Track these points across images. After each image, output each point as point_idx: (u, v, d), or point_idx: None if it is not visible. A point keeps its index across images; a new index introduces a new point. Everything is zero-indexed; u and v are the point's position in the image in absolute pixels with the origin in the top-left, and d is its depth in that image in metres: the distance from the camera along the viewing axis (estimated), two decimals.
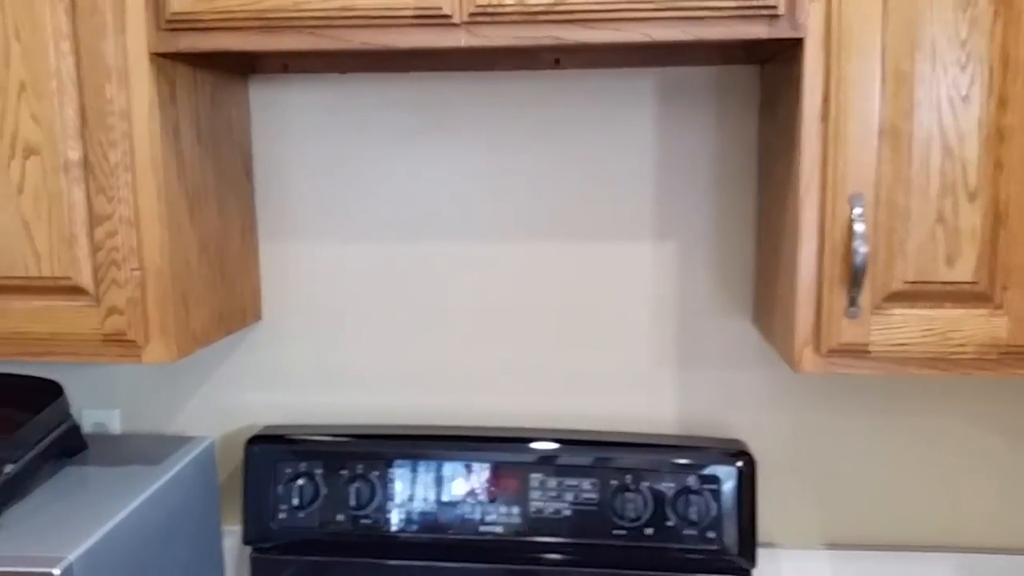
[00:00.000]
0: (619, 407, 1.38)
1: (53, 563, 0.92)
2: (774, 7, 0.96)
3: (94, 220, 1.07)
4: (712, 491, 1.25)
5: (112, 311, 1.09)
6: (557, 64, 1.29)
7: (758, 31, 0.98)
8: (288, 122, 1.37)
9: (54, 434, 1.16)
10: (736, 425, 1.37)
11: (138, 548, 1.08)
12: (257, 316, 1.40)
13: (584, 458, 1.29)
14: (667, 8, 0.97)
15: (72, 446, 1.22)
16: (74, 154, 1.06)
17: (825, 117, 0.98)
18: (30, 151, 1.06)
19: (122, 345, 1.10)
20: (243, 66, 1.30)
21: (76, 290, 1.09)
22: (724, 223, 1.33)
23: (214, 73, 1.24)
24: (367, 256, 1.39)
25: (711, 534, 1.25)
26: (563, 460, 1.29)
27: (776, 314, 1.15)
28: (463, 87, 1.34)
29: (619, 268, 1.35)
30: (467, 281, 1.39)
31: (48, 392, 1.19)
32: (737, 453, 1.27)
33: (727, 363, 1.36)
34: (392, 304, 1.40)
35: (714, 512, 1.25)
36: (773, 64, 1.19)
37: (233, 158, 1.31)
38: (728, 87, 1.30)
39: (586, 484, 1.28)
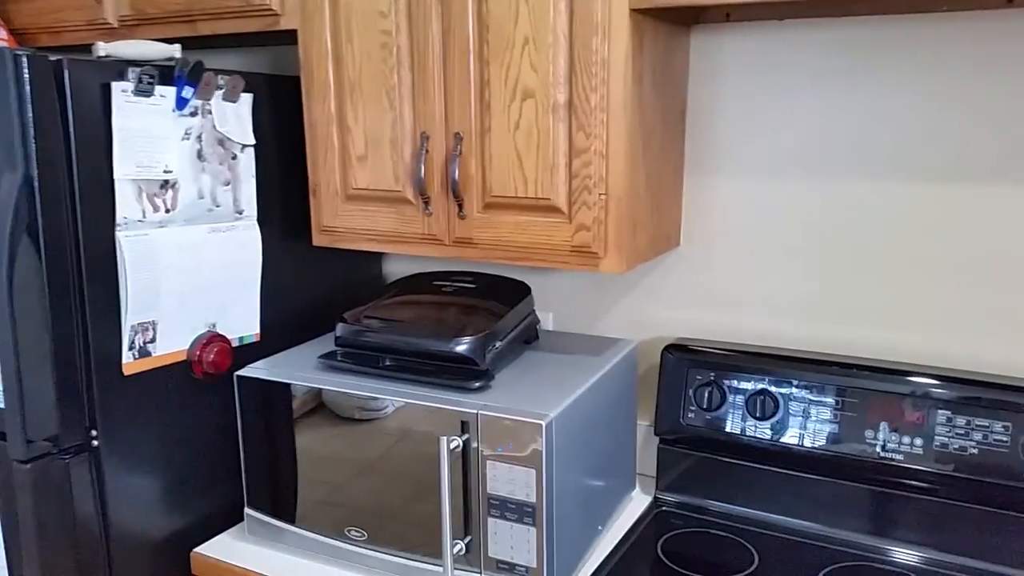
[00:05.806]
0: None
1: (541, 417, 1.19)
2: None
3: (573, 152, 1.31)
4: None
5: (580, 227, 1.32)
6: (1009, 2, 1.24)
7: None
8: (720, 67, 1.51)
9: (523, 324, 1.44)
10: None
11: (586, 419, 1.33)
12: (676, 242, 1.59)
13: (993, 398, 1.31)
14: None
15: (531, 336, 1.51)
16: (561, 97, 1.30)
17: None
18: (527, 94, 1.32)
19: (585, 256, 1.34)
20: (691, 17, 1.45)
21: (553, 209, 1.34)
22: None
23: (668, 25, 1.41)
24: (782, 192, 1.51)
25: None
26: (972, 398, 1.32)
27: None
28: (896, 30, 1.37)
29: None
30: (878, 220, 1.44)
31: (521, 290, 1.49)
32: None
33: None
34: (800, 239, 1.50)
35: None
36: None
37: (674, 101, 1.49)
38: None
39: (997, 427, 1.30)
